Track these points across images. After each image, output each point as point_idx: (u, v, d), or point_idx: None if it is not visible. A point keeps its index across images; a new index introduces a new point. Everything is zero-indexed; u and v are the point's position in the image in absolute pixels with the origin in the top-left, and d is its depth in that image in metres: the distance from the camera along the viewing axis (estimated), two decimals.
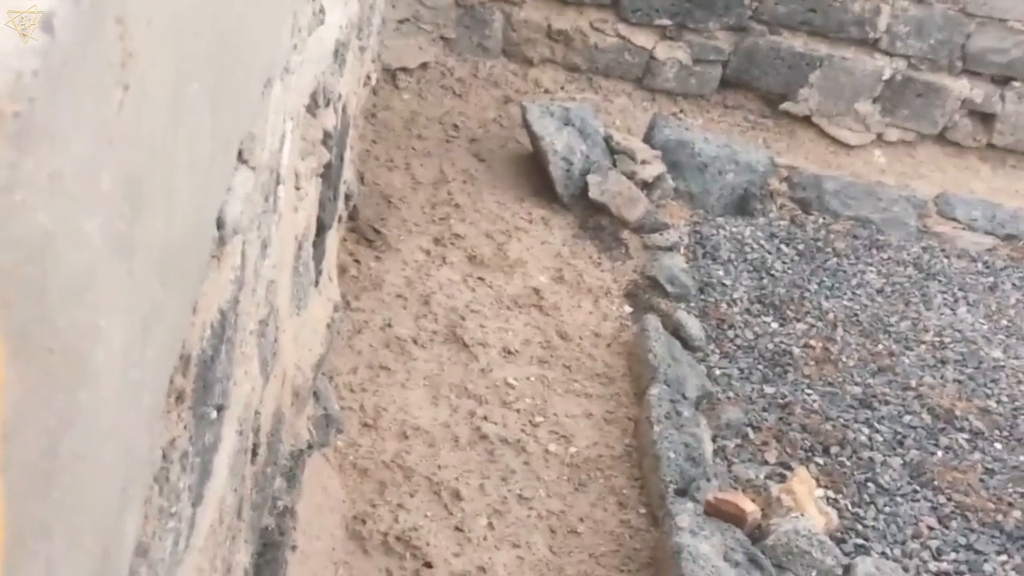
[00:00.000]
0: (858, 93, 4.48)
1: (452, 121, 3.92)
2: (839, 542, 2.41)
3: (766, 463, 2.64)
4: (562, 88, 4.35)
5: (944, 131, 4.60)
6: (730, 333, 3.15)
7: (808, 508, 2.40)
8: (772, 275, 3.51)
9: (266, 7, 1.12)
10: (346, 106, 2.27)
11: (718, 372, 2.96)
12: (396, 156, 3.60)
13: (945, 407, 2.98)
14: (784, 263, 3.61)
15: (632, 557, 2.27)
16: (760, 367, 3.02)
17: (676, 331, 3.01)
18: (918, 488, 2.66)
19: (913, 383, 3.07)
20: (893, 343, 3.26)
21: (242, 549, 1.46)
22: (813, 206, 3.99)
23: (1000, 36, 4.44)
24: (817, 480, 2.59)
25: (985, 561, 2.47)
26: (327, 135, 1.86)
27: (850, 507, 2.56)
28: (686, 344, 3.00)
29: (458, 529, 2.22)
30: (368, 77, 3.15)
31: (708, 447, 2.59)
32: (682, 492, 2.35)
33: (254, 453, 1.47)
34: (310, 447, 1.94)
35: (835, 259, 3.70)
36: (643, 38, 4.37)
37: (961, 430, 2.91)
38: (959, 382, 3.13)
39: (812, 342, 3.17)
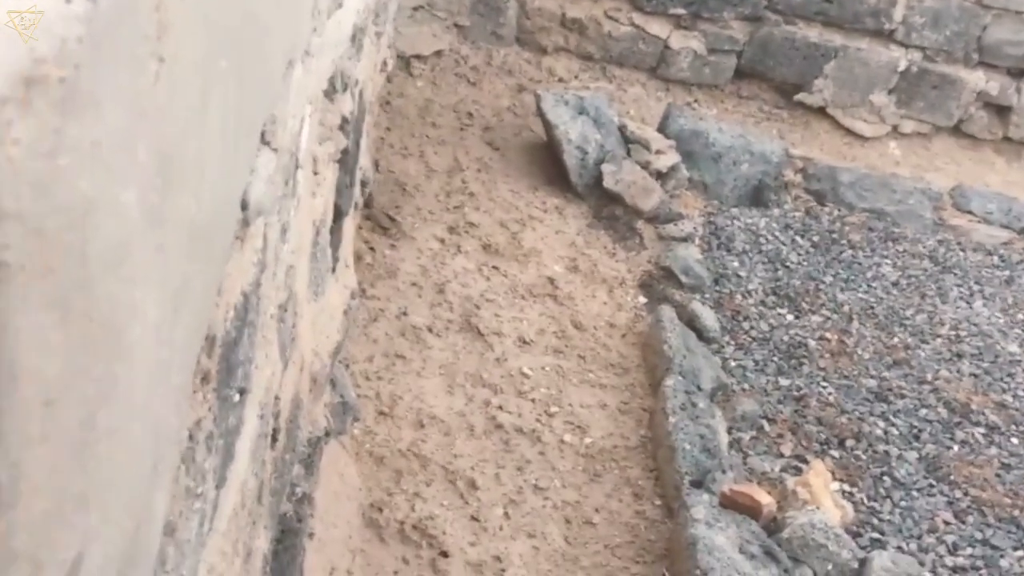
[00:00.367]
0: (873, 84, 4.45)
1: (466, 109, 3.91)
2: (855, 536, 2.40)
3: (781, 456, 2.63)
4: (576, 77, 4.33)
5: (959, 123, 4.57)
6: (745, 325, 3.14)
7: (824, 501, 2.39)
8: (787, 267, 3.50)
9: None
10: (363, 92, 2.26)
11: (733, 364, 2.94)
12: (410, 144, 3.59)
13: (961, 401, 2.96)
14: (799, 255, 3.59)
15: (647, 548, 2.26)
16: (775, 359, 3.00)
17: (691, 322, 3.00)
18: (934, 482, 2.64)
19: (929, 376, 3.06)
20: (909, 336, 3.25)
21: (261, 535, 1.46)
22: (828, 198, 3.97)
23: (1016, 28, 4.40)
24: (833, 473, 2.57)
25: (1002, 556, 2.45)
26: (344, 120, 1.85)
27: (866, 501, 2.54)
28: (701, 335, 2.98)
29: (474, 519, 2.22)
30: (384, 63, 3.14)
31: (723, 439, 2.58)
32: (697, 484, 2.34)
33: (274, 439, 1.47)
34: (327, 434, 1.94)
35: (850, 251, 3.68)
36: (657, 27, 4.35)
37: (977, 424, 2.89)
38: (975, 376, 3.11)
39: (827, 334, 3.16)
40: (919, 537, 2.46)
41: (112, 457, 0.54)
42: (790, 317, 3.22)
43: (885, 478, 2.62)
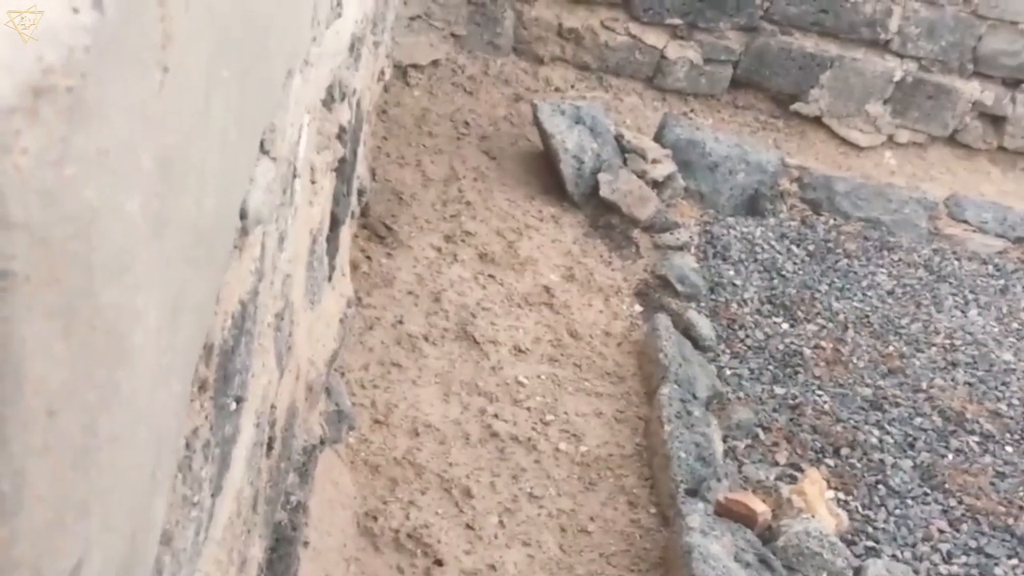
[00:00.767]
0: (869, 94, 4.47)
1: (463, 118, 3.92)
2: (849, 544, 2.40)
3: (776, 464, 2.63)
4: (572, 87, 4.34)
5: (954, 133, 4.59)
6: (740, 333, 3.15)
7: (819, 509, 2.40)
8: (783, 276, 3.51)
9: None
10: (360, 101, 2.27)
11: (728, 372, 2.95)
12: (407, 153, 3.60)
13: (956, 410, 2.97)
14: (795, 264, 3.61)
15: (642, 557, 2.26)
16: (770, 368, 3.01)
17: (686, 331, 3.01)
18: (929, 491, 2.65)
19: (924, 385, 3.06)
20: (904, 345, 3.25)
21: (256, 543, 1.45)
22: (823, 207, 3.99)
23: (1011, 39, 4.43)
24: (828, 482, 2.58)
25: (996, 565, 2.46)
26: (342, 130, 1.85)
27: (860, 509, 2.55)
28: (696, 344, 2.99)
29: (469, 527, 2.21)
30: (382, 72, 3.15)
31: (719, 447, 2.58)
32: (692, 492, 2.34)
33: (269, 447, 1.47)
34: (322, 443, 1.94)
35: (846, 260, 3.70)
36: (654, 37, 4.37)
37: (972, 433, 2.90)
38: (970, 385, 3.12)
39: (823, 343, 3.17)
40: (914, 545, 2.47)
41: (113, 464, 0.55)
42: (785, 326, 3.23)
43: (880, 486, 2.63)
